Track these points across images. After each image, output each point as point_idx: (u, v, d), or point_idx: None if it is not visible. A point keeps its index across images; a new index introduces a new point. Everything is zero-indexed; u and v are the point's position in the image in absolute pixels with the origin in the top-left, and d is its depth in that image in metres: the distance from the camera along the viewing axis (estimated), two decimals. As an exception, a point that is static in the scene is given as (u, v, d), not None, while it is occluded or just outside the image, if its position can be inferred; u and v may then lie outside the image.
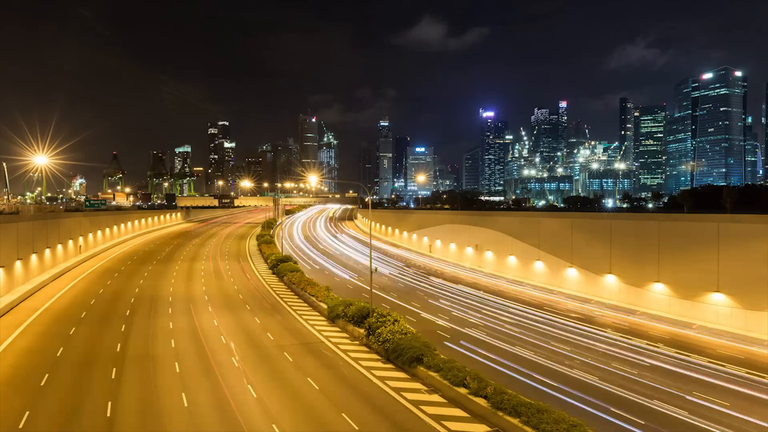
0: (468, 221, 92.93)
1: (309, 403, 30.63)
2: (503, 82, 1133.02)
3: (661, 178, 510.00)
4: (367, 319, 42.64)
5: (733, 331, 45.04)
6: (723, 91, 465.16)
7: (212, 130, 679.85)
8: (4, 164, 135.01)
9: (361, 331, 43.17)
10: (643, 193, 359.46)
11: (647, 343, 43.45)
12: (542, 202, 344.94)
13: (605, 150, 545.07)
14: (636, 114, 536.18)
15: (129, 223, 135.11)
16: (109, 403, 30.09)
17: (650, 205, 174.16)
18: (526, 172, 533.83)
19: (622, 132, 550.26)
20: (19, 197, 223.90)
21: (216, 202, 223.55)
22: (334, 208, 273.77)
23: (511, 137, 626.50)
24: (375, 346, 40.11)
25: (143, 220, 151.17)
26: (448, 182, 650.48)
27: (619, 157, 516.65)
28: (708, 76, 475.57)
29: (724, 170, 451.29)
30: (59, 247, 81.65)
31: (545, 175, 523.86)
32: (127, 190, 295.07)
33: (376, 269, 52.44)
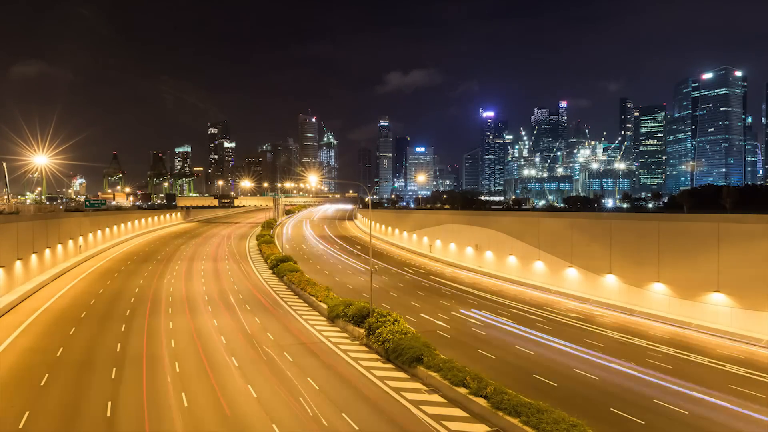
0: (468, 221, 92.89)
1: (309, 403, 30.65)
2: (503, 81, 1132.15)
3: (661, 178, 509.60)
4: (367, 319, 42.66)
5: (733, 331, 45.03)
6: (723, 91, 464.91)
7: (212, 130, 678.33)
8: (4, 164, 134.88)
9: (361, 331, 43.18)
10: (643, 193, 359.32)
11: (647, 343, 43.48)
12: (542, 202, 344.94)
13: (605, 150, 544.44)
14: (636, 114, 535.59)
15: (129, 223, 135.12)
16: (109, 403, 30.13)
17: (650, 205, 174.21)
18: (526, 172, 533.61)
19: (622, 132, 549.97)
20: (19, 197, 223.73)
21: (216, 202, 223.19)
22: (334, 208, 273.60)
23: (511, 137, 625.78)
24: (375, 346, 40.12)
25: (143, 220, 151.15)
26: (448, 182, 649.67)
27: (619, 157, 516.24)
28: (708, 76, 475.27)
29: (724, 170, 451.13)
30: (59, 247, 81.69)
31: (545, 175, 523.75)
32: (127, 190, 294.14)
33: (376, 269, 52.52)
